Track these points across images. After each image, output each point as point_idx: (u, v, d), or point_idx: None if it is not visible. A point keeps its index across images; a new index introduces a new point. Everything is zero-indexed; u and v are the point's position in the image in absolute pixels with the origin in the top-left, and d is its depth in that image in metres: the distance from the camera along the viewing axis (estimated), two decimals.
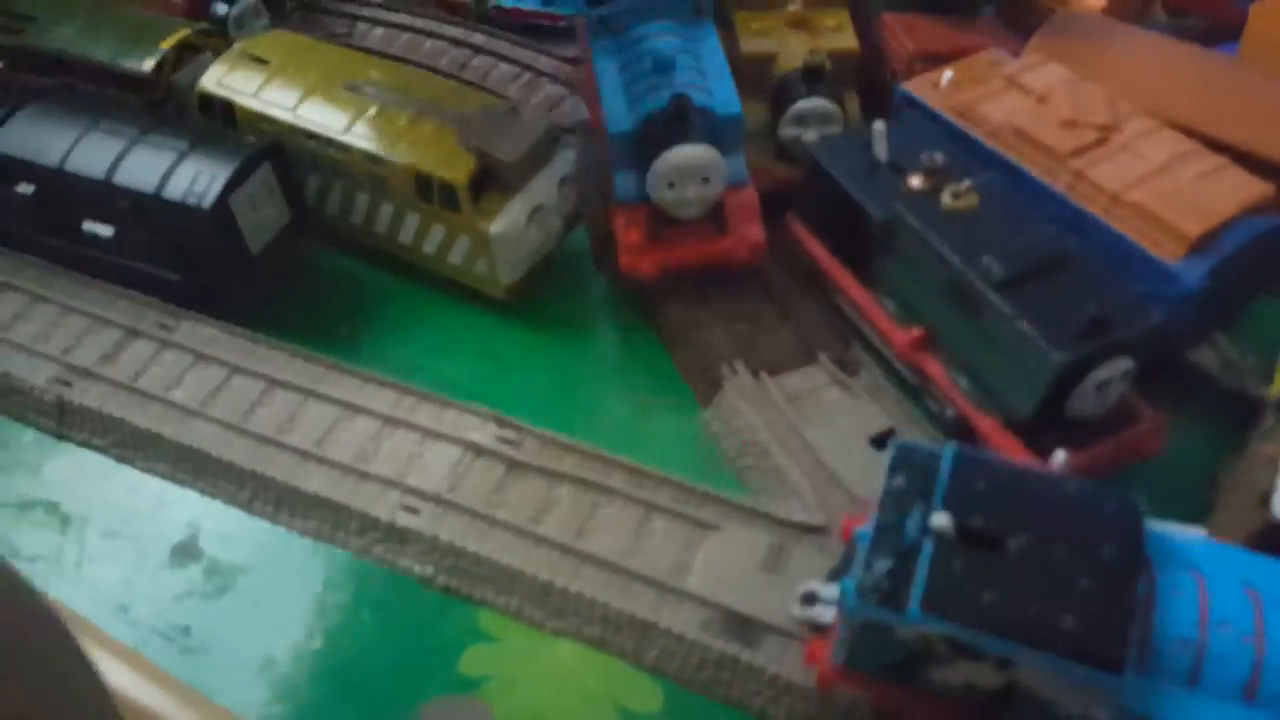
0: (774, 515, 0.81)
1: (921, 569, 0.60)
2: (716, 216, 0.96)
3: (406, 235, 0.99)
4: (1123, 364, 0.76)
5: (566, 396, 0.95)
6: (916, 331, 0.87)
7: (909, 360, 0.89)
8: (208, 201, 0.91)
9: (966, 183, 0.85)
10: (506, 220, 0.92)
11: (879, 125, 0.92)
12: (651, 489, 0.84)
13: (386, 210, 0.98)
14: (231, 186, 0.92)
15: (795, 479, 0.84)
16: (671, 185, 0.91)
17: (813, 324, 0.97)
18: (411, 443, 0.88)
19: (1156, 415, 0.81)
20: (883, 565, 0.61)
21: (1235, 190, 0.84)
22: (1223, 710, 0.55)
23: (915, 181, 0.87)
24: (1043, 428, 0.77)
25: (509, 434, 0.88)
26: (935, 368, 0.87)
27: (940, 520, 0.60)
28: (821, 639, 0.68)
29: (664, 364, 0.98)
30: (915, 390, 0.91)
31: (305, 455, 0.87)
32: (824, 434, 0.87)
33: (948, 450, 0.65)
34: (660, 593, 0.77)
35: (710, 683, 0.74)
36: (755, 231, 0.96)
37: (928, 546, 0.60)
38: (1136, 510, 0.61)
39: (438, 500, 0.83)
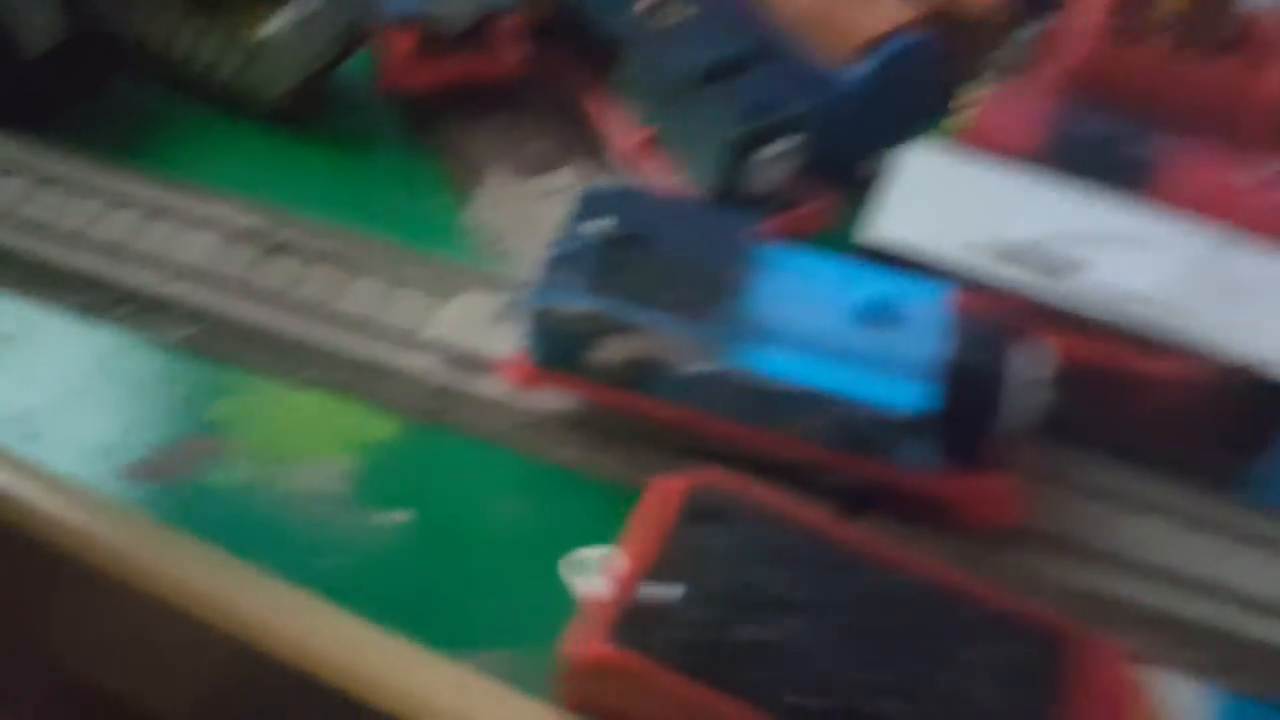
0: (513, 279, 0.89)
1: (584, 262, 0.71)
2: (485, 36, 1.03)
3: (179, 49, 1.02)
4: (788, 142, 0.88)
5: (337, 199, 1.00)
6: (643, 134, 0.97)
7: (636, 161, 0.99)
8: None
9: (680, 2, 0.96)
10: (276, 23, 0.96)
11: None
12: (402, 264, 0.91)
13: (164, 20, 1.01)
14: None
15: (539, 256, 0.92)
16: None
17: (569, 134, 1.06)
18: (172, 229, 0.92)
19: (827, 197, 0.94)
20: (556, 264, 0.73)
21: (889, 14, 0.99)
22: (785, 356, 0.71)
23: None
24: (733, 203, 0.91)
25: (269, 222, 0.93)
26: (658, 167, 0.97)
27: (602, 224, 0.72)
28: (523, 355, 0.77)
29: (437, 172, 1.05)
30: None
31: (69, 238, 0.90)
32: None
33: (617, 188, 0.78)
34: (400, 344, 0.85)
35: (439, 412, 0.82)
36: (519, 50, 1.03)
37: (592, 247, 0.72)
38: (747, 224, 0.78)
39: (194, 275, 0.88)
